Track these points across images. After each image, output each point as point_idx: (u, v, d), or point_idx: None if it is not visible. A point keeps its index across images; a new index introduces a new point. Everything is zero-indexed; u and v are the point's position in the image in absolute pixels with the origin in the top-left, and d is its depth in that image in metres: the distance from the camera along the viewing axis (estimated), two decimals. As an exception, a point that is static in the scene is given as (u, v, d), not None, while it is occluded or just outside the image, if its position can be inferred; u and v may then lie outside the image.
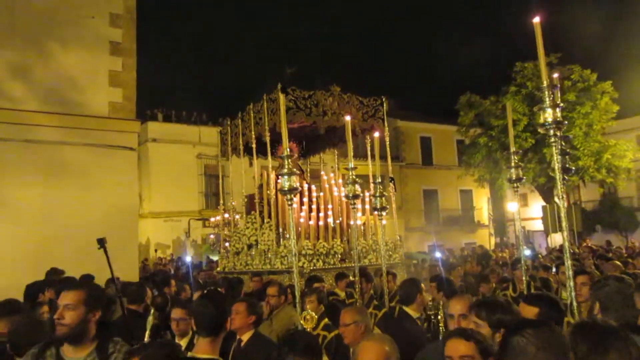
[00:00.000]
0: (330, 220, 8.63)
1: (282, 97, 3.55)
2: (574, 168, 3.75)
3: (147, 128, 22.73)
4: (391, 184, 9.60)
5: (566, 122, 3.04)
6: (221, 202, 10.96)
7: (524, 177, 3.88)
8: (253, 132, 9.25)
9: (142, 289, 5.37)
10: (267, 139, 8.63)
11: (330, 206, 8.82)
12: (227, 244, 9.92)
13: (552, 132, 2.94)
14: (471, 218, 32.54)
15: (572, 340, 1.92)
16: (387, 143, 9.52)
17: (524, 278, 5.20)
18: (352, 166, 4.37)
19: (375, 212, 5.15)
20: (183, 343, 4.00)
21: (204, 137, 23.94)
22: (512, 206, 28.93)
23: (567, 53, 22.46)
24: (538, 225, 22.87)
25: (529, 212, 29.10)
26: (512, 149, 4.12)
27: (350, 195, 4.41)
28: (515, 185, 4.10)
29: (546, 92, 2.94)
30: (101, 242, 4.19)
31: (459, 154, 29.91)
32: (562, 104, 2.99)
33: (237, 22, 56.58)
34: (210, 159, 23.97)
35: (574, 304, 2.89)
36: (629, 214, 29.87)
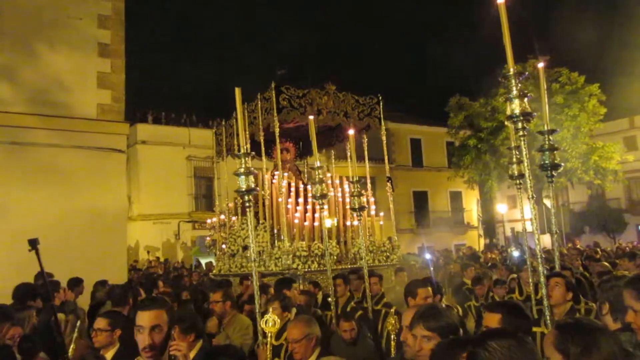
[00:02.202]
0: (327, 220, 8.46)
1: (237, 90, 3.36)
2: (562, 164, 3.54)
3: (137, 130, 22.59)
4: (388, 184, 9.53)
5: (535, 113, 2.89)
6: (217, 203, 10.88)
7: (525, 174, 3.69)
8: (247, 132, 9.12)
9: (127, 292, 5.31)
10: (261, 138, 8.54)
11: (325, 207, 8.67)
12: (223, 246, 9.83)
13: (520, 125, 2.72)
14: (461, 219, 32.68)
15: (562, 342, 1.88)
16: (384, 142, 9.48)
17: (530, 280, 4.96)
18: (319, 164, 4.21)
19: (354, 213, 4.93)
20: (108, 356, 3.71)
21: (193, 139, 23.85)
22: (501, 207, 29.10)
23: (555, 56, 22.74)
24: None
25: (518, 213, 29.26)
26: (513, 143, 3.83)
27: (318, 195, 4.19)
28: (517, 182, 3.83)
29: (512, 81, 2.68)
30: (32, 244, 3.94)
31: (449, 156, 30.05)
32: (530, 94, 2.75)
33: (229, 23, 56.49)
34: (200, 160, 23.88)
35: (546, 312, 2.74)
36: (617, 216, 30.17)
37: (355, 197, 4.38)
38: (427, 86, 49.76)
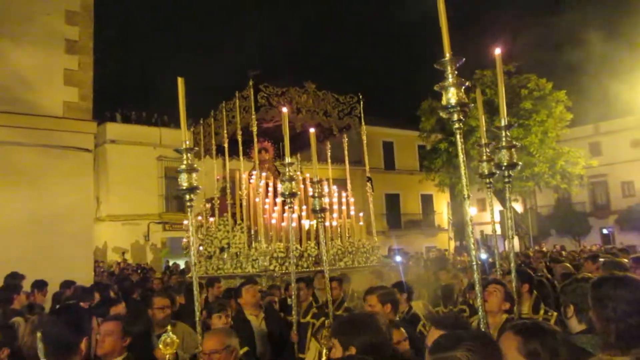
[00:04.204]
0: (305, 222, 8.34)
1: (180, 80, 3.19)
2: (520, 163, 3.32)
3: (106, 129, 22.16)
4: (368, 184, 9.51)
5: (472, 104, 2.61)
6: (194, 204, 10.65)
7: (497, 172, 3.40)
8: (226, 131, 8.92)
9: (91, 294, 5.18)
10: (240, 137, 8.42)
11: (304, 207, 8.49)
12: (200, 248, 9.67)
13: (455, 116, 2.44)
14: (432, 222, 33.05)
15: (529, 346, 1.86)
16: (364, 142, 9.46)
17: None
18: (289, 162, 4.05)
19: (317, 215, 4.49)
20: None
21: (165, 139, 23.51)
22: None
23: (524, 62, 23.23)
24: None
25: (487, 216, 29.78)
26: (484, 141, 3.55)
27: (287, 193, 3.97)
28: (488, 180, 3.57)
29: (449, 67, 2.41)
30: None
31: (421, 159, 30.37)
32: (468, 84, 2.50)
33: (204, 21, 55.97)
34: (171, 161, 23.54)
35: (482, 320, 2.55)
36: (582, 219, 31.01)
37: (317, 199, 4.16)
38: (399, 89, 50.27)
